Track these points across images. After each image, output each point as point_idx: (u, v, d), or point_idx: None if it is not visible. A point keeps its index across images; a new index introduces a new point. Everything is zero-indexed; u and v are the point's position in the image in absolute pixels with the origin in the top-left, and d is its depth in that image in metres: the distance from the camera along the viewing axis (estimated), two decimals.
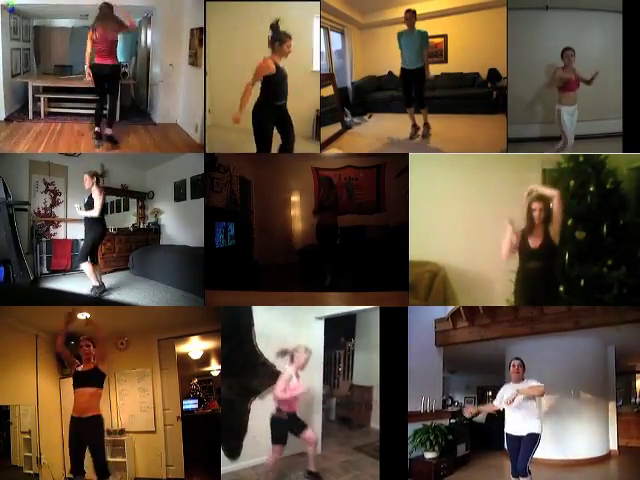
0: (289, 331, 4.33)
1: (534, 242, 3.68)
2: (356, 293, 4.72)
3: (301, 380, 3.87)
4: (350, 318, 5.91)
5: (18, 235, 4.67)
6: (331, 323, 4.86)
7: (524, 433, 3.68)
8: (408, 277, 4.13)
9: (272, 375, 4.07)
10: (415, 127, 5.06)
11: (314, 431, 4.05)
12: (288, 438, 3.82)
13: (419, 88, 5.06)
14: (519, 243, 3.70)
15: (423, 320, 4.70)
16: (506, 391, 3.80)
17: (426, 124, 5.07)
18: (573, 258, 3.97)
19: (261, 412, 4.04)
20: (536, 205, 3.66)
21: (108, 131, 4.80)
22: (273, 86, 4.23)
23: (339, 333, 6.12)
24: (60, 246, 5.25)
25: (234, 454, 4.09)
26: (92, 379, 4.04)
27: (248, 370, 4.17)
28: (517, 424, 3.73)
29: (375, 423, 5.51)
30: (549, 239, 3.66)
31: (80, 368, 4.06)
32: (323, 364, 4.86)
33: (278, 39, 4.19)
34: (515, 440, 3.72)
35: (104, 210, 4.75)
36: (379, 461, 3.99)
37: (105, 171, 5.69)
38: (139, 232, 6.25)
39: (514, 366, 3.81)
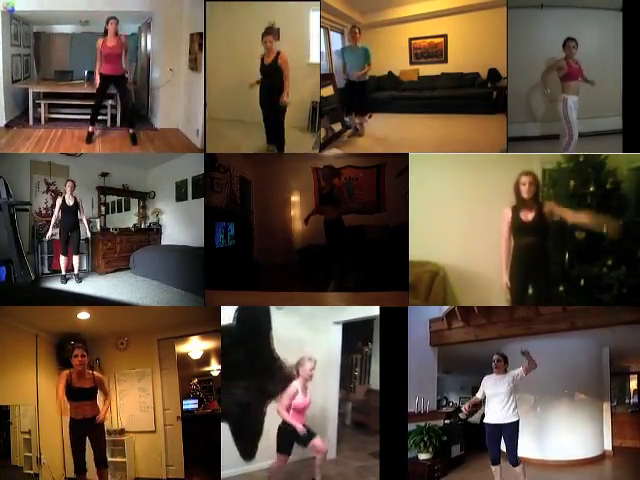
0: (307, 336, 4.33)
1: (525, 216, 3.71)
2: (356, 293, 4.72)
3: (308, 393, 3.83)
4: (368, 322, 5.87)
5: (19, 235, 4.69)
6: (349, 327, 4.83)
7: (504, 421, 3.72)
8: (408, 277, 4.13)
9: (289, 379, 4.04)
10: (356, 129, 5.15)
11: (326, 440, 3.96)
12: (295, 447, 3.77)
13: (362, 97, 5.21)
14: (511, 220, 3.75)
15: (417, 320, 4.65)
16: (487, 383, 3.90)
17: (361, 124, 5.16)
18: (573, 258, 3.97)
19: (276, 415, 4.00)
20: (525, 179, 3.65)
21: (130, 130, 5.03)
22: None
23: (356, 337, 6.05)
24: None
25: (249, 456, 4.10)
26: (91, 395, 4.07)
27: (265, 373, 4.16)
28: (495, 413, 3.78)
29: None
30: (542, 214, 3.67)
31: (75, 383, 4.00)
32: (340, 368, 4.83)
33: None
34: (495, 429, 3.77)
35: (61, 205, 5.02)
36: (379, 462, 3.99)
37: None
38: (140, 232, 6.25)
39: (495, 361, 3.91)
